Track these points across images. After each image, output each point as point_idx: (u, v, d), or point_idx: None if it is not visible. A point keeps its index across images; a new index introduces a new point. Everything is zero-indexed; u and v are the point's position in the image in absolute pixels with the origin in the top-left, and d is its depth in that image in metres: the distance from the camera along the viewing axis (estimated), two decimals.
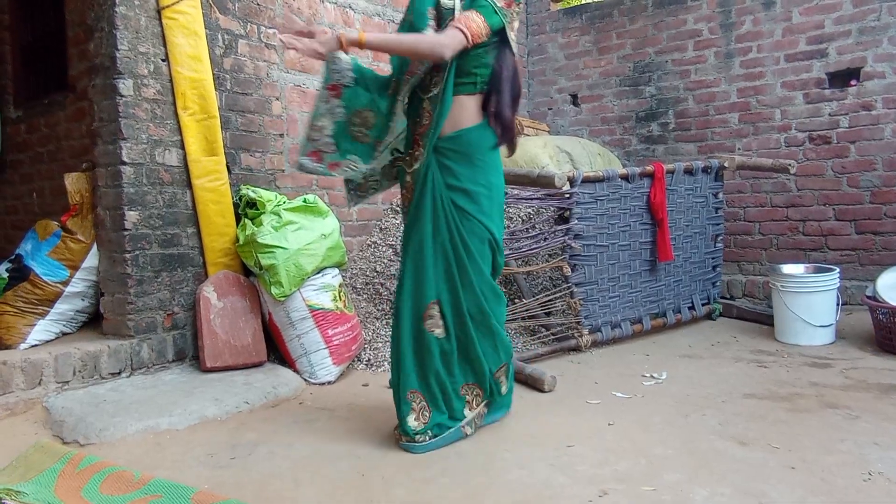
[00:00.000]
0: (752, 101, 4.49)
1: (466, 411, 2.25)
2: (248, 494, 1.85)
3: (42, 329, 2.86)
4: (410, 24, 2.16)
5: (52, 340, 2.89)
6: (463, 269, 2.16)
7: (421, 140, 2.20)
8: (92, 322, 3.07)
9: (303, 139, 2.30)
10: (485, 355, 2.23)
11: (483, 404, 2.30)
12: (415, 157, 2.22)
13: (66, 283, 2.92)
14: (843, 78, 4.18)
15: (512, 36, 2.18)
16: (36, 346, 2.81)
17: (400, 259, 2.30)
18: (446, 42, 2.04)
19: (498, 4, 2.11)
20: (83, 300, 2.99)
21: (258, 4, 3.33)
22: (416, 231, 2.18)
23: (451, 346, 2.20)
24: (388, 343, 3.33)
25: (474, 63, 2.15)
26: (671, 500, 1.77)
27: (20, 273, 2.91)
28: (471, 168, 2.17)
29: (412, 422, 2.17)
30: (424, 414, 2.19)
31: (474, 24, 2.06)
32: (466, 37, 2.05)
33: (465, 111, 2.17)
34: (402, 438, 2.19)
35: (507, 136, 2.22)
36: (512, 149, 2.28)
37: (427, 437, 2.16)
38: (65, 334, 2.96)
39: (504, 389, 2.35)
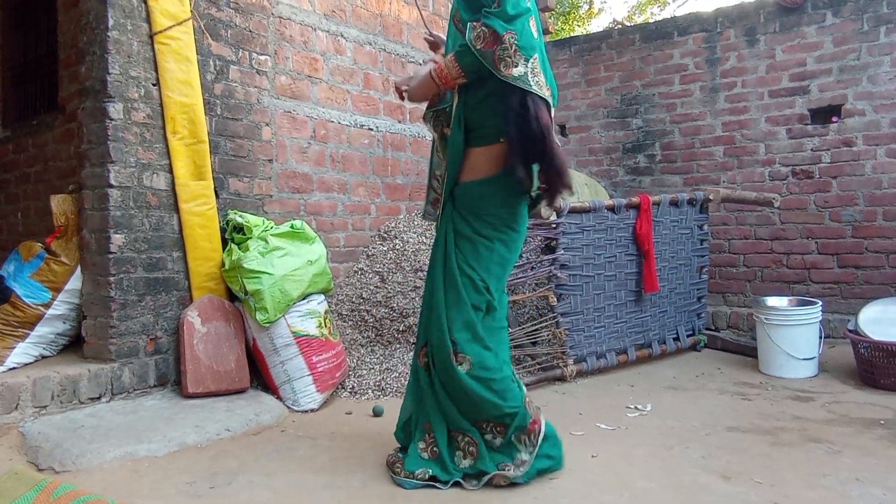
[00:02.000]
0: (737, 135, 4.57)
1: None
2: None
3: (21, 352, 2.82)
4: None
5: (31, 363, 2.84)
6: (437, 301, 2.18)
7: (439, 188, 2.28)
8: (73, 345, 3.03)
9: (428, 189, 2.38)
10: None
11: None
12: (438, 202, 2.30)
13: (47, 306, 2.88)
14: (825, 114, 4.27)
15: (517, 73, 1.94)
16: (14, 368, 2.77)
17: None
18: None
19: (475, 46, 1.95)
20: (65, 323, 2.95)
21: (251, 31, 3.36)
22: (429, 275, 2.25)
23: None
24: (372, 370, 3.31)
25: (479, 113, 2.09)
26: None
27: (1, 294, 2.87)
28: (473, 216, 2.13)
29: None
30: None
31: (443, 65, 2.09)
32: (434, 78, 2.12)
33: (475, 162, 2.13)
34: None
35: (524, 187, 2.07)
36: (550, 201, 2.18)
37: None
38: (45, 357, 2.92)
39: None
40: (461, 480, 2.08)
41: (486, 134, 2.10)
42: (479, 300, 2.12)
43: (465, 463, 2.11)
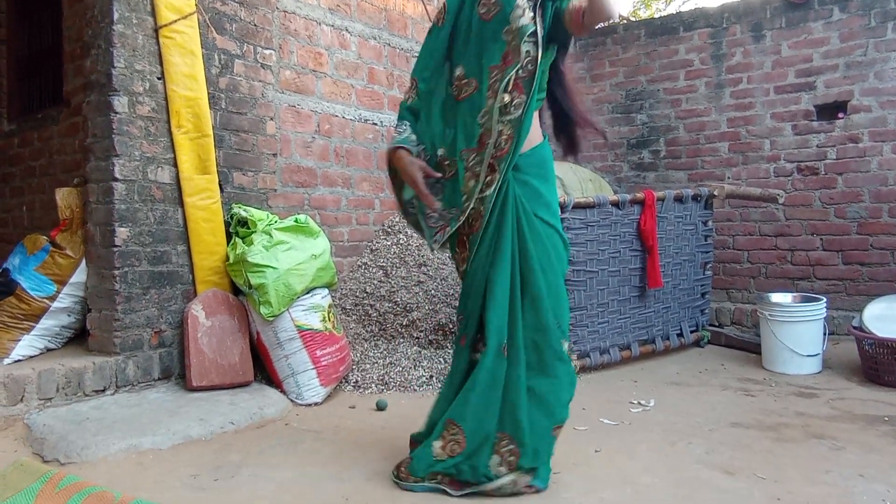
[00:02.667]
0: (742, 131, 4.56)
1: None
2: None
3: (27, 344, 2.84)
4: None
5: (36, 356, 2.85)
6: (535, 285, 1.95)
7: (497, 164, 1.94)
8: (78, 338, 3.04)
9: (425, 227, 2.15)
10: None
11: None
12: (485, 181, 1.95)
13: (52, 299, 2.89)
14: (831, 111, 4.25)
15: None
16: (20, 361, 2.78)
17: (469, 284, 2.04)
18: None
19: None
20: (69, 316, 2.96)
21: (255, 25, 3.36)
22: (499, 254, 1.97)
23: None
24: (375, 364, 3.32)
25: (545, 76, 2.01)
26: None
27: (6, 287, 2.88)
28: (544, 182, 2.04)
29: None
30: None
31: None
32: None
33: (536, 127, 2.04)
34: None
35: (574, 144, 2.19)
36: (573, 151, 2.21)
37: None
38: (49, 350, 2.93)
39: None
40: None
41: (541, 98, 2.06)
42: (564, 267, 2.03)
43: (502, 470, 1.93)
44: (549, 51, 1.95)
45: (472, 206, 1.97)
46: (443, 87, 2.08)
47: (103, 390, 2.74)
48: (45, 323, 2.89)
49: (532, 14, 1.87)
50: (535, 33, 1.87)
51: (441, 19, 2.09)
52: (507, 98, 1.91)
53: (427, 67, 2.12)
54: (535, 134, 2.04)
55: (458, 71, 2.03)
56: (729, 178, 4.59)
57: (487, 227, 1.98)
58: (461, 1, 2.05)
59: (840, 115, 4.21)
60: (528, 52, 1.88)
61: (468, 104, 1.99)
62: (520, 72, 1.90)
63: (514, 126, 1.93)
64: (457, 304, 3.54)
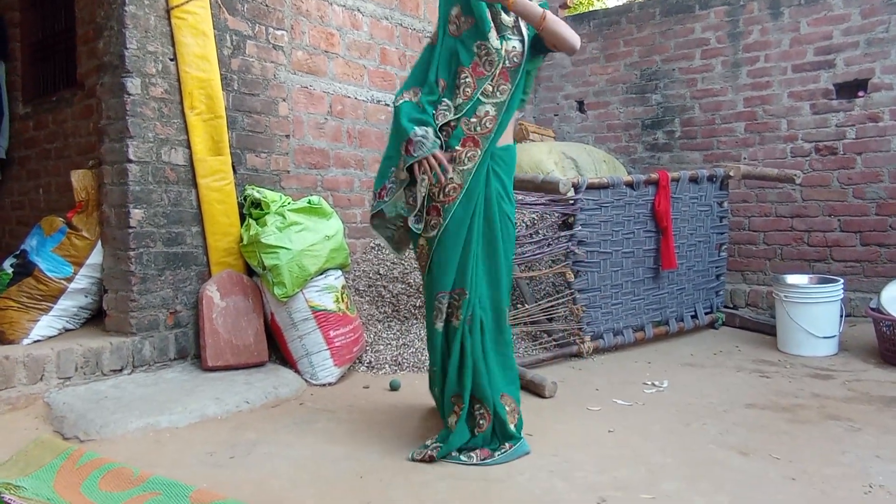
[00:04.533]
0: (759, 111, 4.49)
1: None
2: (246, 494, 1.85)
3: (45, 325, 2.87)
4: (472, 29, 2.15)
5: (54, 336, 2.89)
6: (497, 266, 2.18)
7: (481, 141, 2.14)
8: (95, 319, 3.08)
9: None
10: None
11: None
12: (466, 156, 2.14)
13: (69, 280, 2.93)
14: (851, 89, 4.17)
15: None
16: (39, 341, 2.82)
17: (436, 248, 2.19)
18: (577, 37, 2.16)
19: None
20: (86, 297, 2.99)
21: (267, 6, 3.34)
22: (467, 224, 2.14)
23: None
24: (389, 345, 3.33)
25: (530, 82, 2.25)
26: None
27: (24, 268, 2.92)
28: (510, 181, 2.24)
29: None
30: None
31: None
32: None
33: (511, 128, 2.23)
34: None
35: None
36: None
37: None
38: (67, 330, 2.97)
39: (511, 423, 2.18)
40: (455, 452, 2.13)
41: (523, 99, 2.24)
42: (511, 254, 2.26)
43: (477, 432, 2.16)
44: (535, 58, 2.22)
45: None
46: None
47: (121, 370, 2.78)
48: (63, 304, 2.92)
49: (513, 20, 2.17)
50: (519, 30, 2.17)
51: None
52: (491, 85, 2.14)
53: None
54: (509, 135, 2.23)
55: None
56: (745, 158, 4.53)
57: (464, 201, 2.13)
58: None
59: (860, 93, 4.14)
60: (514, 46, 2.14)
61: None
62: (506, 62, 2.13)
63: (499, 109, 2.14)
64: None
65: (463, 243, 2.14)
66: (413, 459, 2.09)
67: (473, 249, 2.14)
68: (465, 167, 2.14)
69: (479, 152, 2.14)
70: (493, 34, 2.12)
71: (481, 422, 2.15)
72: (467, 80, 2.13)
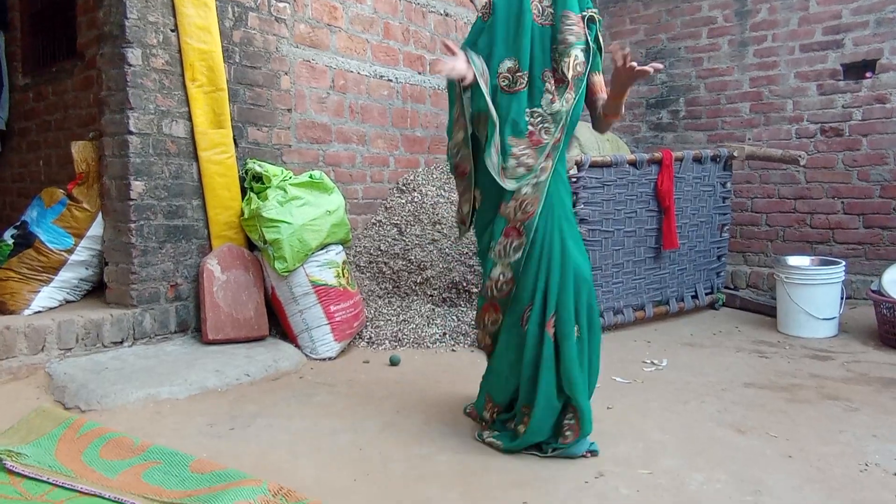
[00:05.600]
0: (765, 91, 4.45)
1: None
2: (246, 464, 1.86)
3: (46, 296, 2.87)
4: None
5: (55, 308, 2.90)
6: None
7: (552, 153, 2.01)
8: (95, 291, 3.08)
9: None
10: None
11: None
12: (543, 170, 2.00)
13: (70, 252, 2.92)
14: (859, 70, 4.13)
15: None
16: (40, 312, 2.82)
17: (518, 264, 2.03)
18: None
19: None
20: (87, 269, 2.99)
21: None
22: (548, 240, 2.00)
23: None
24: (389, 321, 3.33)
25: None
26: (667, 485, 1.78)
27: (25, 240, 2.91)
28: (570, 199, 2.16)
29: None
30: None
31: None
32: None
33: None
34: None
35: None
36: None
37: None
38: (68, 302, 2.97)
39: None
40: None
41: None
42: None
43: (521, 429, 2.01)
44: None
45: (528, 190, 2.00)
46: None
47: (121, 342, 2.78)
48: (64, 275, 2.92)
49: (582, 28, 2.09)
50: (587, 44, 2.09)
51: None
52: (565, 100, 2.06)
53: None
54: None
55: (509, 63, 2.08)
56: (749, 139, 4.50)
57: (537, 213, 1.99)
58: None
59: (868, 74, 4.09)
60: (576, 56, 2.08)
61: (517, 99, 2.06)
62: (577, 66, 2.08)
63: (563, 119, 2.05)
64: (470, 263, 3.54)
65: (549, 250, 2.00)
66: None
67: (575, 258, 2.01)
68: (540, 180, 1.99)
69: (551, 164, 2.01)
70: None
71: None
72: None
